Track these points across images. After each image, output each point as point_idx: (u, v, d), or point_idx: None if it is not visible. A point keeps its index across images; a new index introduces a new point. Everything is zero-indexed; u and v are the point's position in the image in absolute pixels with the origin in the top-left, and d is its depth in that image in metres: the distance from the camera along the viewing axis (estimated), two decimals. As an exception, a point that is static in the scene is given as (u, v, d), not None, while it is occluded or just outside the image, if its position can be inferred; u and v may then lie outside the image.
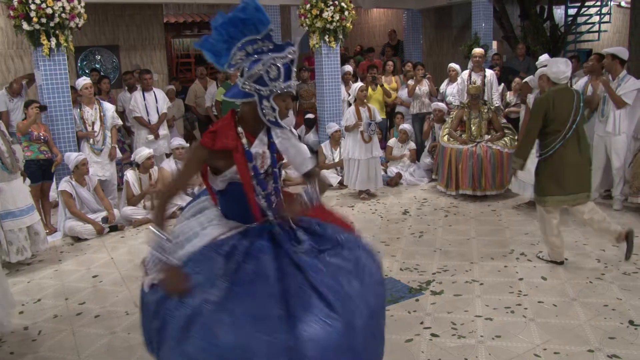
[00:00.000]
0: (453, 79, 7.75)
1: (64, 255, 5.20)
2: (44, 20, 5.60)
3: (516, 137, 6.32)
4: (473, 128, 6.46)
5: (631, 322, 3.35)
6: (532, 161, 4.41)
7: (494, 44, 10.43)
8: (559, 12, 12.32)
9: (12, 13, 5.59)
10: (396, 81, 8.60)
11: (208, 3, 12.93)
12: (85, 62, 9.64)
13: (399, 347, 3.18)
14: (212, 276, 2.01)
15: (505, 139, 6.40)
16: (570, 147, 4.06)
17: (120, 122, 6.71)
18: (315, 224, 2.29)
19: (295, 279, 2.01)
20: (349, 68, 8.42)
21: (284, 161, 2.32)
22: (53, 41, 5.78)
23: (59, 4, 5.62)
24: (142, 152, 6.17)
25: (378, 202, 6.52)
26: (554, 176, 4.09)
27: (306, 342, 1.86)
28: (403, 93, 8.31)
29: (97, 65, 9.64)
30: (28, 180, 5.07)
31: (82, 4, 5.90)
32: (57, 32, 5.77)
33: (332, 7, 7.25)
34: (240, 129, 2.15)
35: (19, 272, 4.78)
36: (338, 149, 7.39)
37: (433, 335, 3.32)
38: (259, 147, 2.19)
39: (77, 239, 5.59)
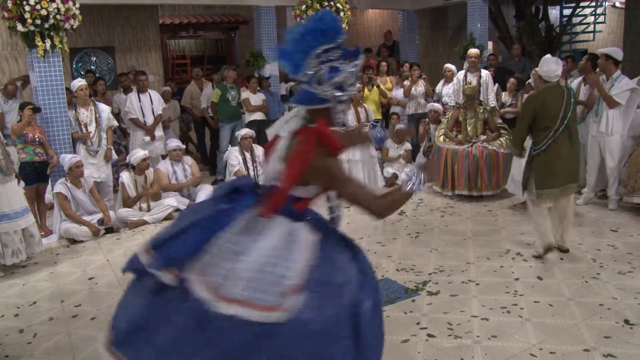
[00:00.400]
0: (449, 80, 7.76)
1: (59, 258, 5.18)
2: (38, 21, 5.57)
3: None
4: (469, 128, 6.48)
5: (626, 321, 3.36)
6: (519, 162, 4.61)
7: (490, 44, 10.47)
8: (554, 12, 12.38)
9: (6, 14, 5.56)
10: (391, 81, 8.61)
11: (203, 4, 12.95)
12: (80, 64, 9.61)
13: (395, 347, 3.18)
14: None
15: (501, 139, 6.41)
16: (562, 142, 4.22)
17: (115, 123, 6.70)
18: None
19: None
20: (344, 69, 8.41)
21: None
22: (48, 43, 5.76)
23: (54, 5, 5.60)
24: (137, 154, 6.16)
25: (374, 202, 6.51)
26: (548, 170, 4.26)
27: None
28: (398, 93, 8.32)
29: (93, 67, 9.62)
30: (22, 183, 5.05)
31: (77, 5, 5.88)
32: (51, 33, 5.74)
33: (327, 8, 7.25)
34: None
35: (14, 275, 4.76)
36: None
37: (429, 335, 3.32)
38: None
39: (73, 241, 5.57)
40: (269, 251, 1.95)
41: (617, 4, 14.16)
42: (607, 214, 5.54)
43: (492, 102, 7.04)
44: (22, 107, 5.68)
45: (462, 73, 7.28)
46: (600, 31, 13.00)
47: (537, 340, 3.21)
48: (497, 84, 7.50)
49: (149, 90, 7.28)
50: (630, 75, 5.78)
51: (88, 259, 5.09)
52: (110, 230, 5.79)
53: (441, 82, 8.05)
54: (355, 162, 6.48)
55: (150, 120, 7.14)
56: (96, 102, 6.46)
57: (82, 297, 4.21)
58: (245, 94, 7.82)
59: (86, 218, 5.68)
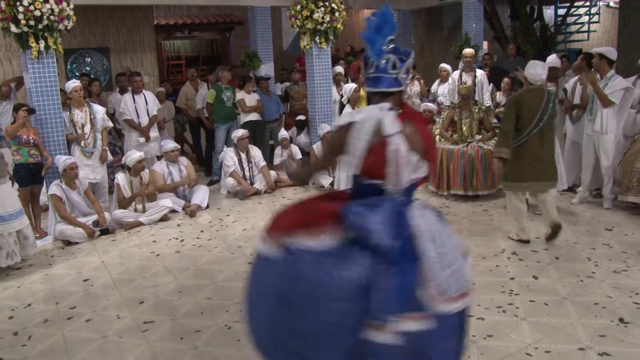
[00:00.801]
0: (444, 79, 7.78)
1: (54, 259, 5.16)
2: (32, 22, 5.55)
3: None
4: (464, 128, 6.49)
5: (621, 320, 3.37)
6: None
7: (485, 44, 10.49)
8: (548, 12, 12.42)
9: (-1, 15, 5.55)
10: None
11: (198, 5, 12.92)
12: (75, 65, 9.58)
13: (391, 347, 3.18)
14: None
15: (497, 138, 6.41)
16: (533, 142, 4.52)
17: (110, 124, 6.68)
18: None
19: None
20: (340, 69, 8.42)
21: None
22: (42, 44, 5.73)
23: (47, 6, 5.57)
24: (133, 156, 6.14)
25: (370, 202, 6.51)
26: (514, 165, 4.55)
27: None
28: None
29: (87, 68, 9.60)
30: (16, 185, 5.03)
31: (71, 6, 5.86)
32: (45, 34, 5.72)
33: (322, 8, 7.25)
34: None
35: (8, 277, 4.74)
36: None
37: (425, 335, 3.32)
38: None
39: (68, 243, 5.55)
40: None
41: (612, 4, 14.23)
42: (602, 213, 5.56)
43: (487, 102, 7.06)
44: (16, 109, 5.64)
45: (457, 73, 7.30)
46: (594, 31, 13.05)
47: (532, 339, 3.21)
48: (492, 84, 7.52)
49: (144, 91, 7.26)
50: (624, 74, 5.80)
51: (83, 261, 5.07)
52: (105, 231, 5.77)
53: (436, 82, 8.07)
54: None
55: (144, 121, 7.12)
56: (91, 103, 6.44)
57: (77, 299, 4.19)
58: (240, 94, 7.81)
59: (81, 219, 5.65)
